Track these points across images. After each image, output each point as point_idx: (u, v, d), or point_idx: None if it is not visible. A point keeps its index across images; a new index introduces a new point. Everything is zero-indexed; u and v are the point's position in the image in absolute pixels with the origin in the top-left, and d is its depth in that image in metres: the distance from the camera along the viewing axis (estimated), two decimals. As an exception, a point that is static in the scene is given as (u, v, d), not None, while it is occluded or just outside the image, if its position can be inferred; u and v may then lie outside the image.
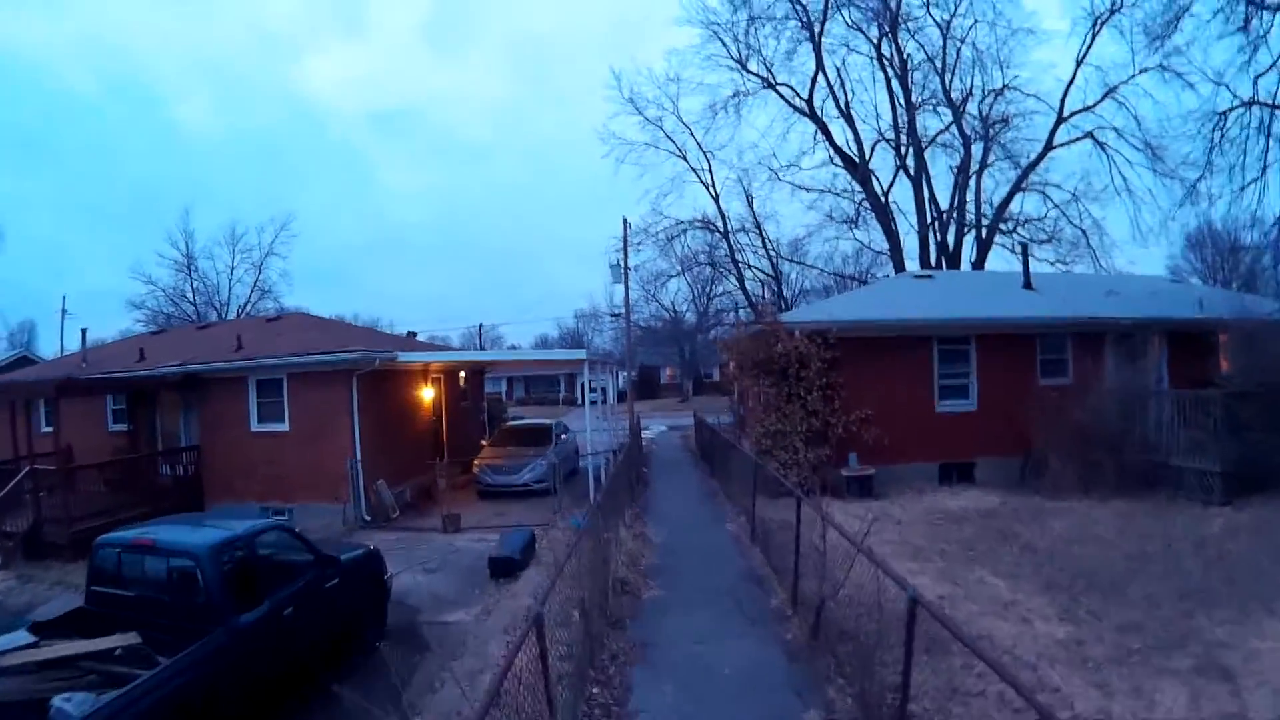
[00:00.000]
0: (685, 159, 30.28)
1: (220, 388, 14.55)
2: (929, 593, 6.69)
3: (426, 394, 17.33)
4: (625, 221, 31.19)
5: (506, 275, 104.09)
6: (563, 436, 17.71)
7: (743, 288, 29.97)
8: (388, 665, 4.70)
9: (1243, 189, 15.92)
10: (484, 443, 17.78)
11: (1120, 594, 7.22)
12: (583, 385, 17.43)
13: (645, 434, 30.16)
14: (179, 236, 41.77)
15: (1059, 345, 14.30)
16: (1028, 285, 16.72)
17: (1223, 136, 17.41)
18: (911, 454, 12.87)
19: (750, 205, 29.88)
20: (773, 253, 29.96)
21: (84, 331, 18.35)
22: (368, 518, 13.45)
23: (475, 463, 16.12)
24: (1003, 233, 26.56)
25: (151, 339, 21.51)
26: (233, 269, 42.83)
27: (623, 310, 33.18)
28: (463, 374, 20.43)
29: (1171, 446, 11.51)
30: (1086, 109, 25.93)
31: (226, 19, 74.48)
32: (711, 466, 16.77)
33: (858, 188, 28.21)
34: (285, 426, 14.14)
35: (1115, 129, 25.28)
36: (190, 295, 41.78)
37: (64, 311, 37.72)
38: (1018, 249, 26.70)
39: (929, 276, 18.17)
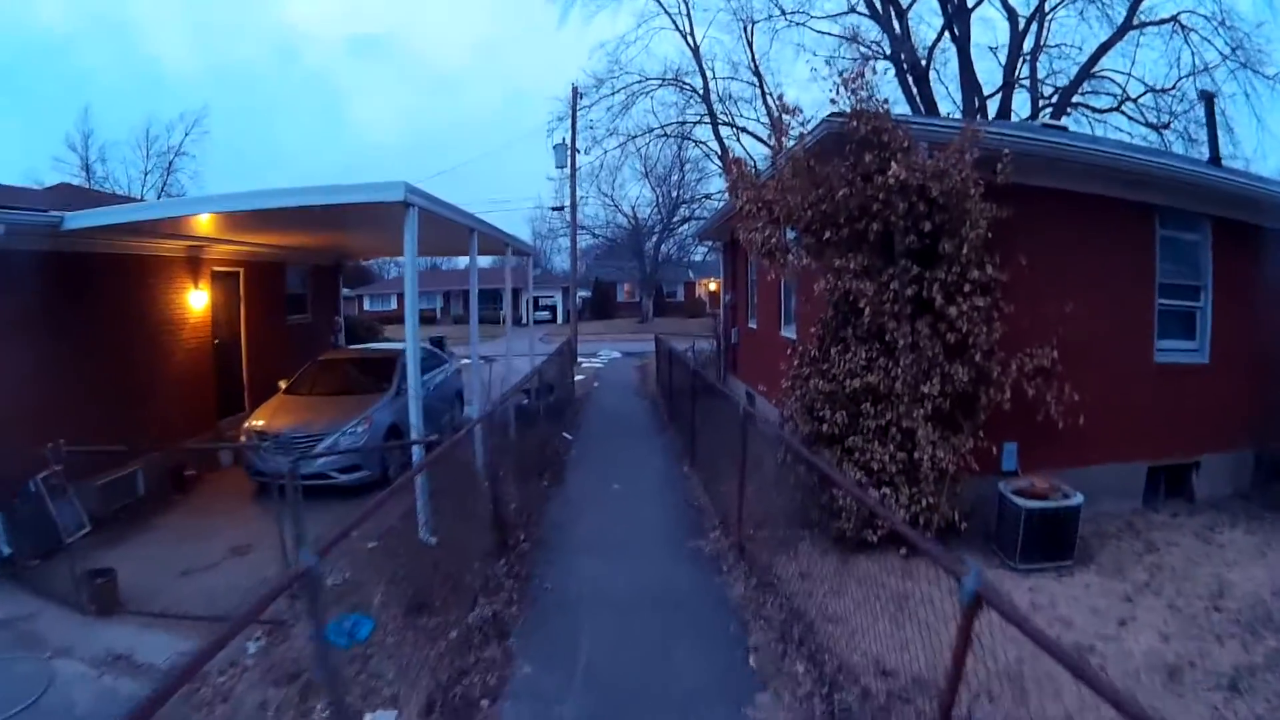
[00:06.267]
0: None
1: None
2: None
3: (196, 301, 9.80)
4: (575, 90, 23.97)
5: (476, 202, 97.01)
6: (436, 371, 10.75)
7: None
8: None
9: None
10: (281, 385, 9.73)
11: None
12: (460, 300, 10.35)
13: (591, 363, 23.62)
14: (77, 138, 36.06)
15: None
16: (1215, 159, 10.19)
17: None
18: (1104, 445, 6.39)
19: (749, 43, 22.56)
20: (775, 111, 22.52)
21: None
22: (7, 551, 6.37)
23: (244, 426, 8.78)
24: (1088, 110, 19.84)
25: None
26: (145, 174, 37.10)
27: (568, 204, 25.89)
28: (295, 270, 13.00)
29: None
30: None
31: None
32: (690, 437, 9.41)
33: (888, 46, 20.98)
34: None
35: (1206, 16, 18.49)
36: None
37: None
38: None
39: (1062, 128, 11.19)
